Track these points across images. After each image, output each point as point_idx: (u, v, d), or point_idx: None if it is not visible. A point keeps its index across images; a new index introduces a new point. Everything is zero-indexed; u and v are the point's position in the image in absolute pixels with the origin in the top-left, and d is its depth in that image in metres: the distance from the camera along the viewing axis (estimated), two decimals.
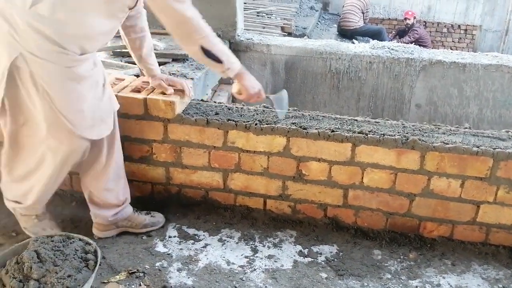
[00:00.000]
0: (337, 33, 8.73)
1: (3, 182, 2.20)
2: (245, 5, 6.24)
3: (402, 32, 9.54)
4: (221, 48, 2.07)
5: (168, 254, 2.33)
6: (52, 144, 1.96)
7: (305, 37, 6.33)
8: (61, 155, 2.00)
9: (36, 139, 1.97)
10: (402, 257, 2.39)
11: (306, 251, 2.41)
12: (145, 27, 2.26)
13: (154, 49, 3.43)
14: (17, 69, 1.77)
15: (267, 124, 2.42)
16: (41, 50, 1.75)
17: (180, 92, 2.46)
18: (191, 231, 2.50)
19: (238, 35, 4.15)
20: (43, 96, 1.81)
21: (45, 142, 1.96)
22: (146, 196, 2.69)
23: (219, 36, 4.02)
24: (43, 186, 2.12)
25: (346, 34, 8.75)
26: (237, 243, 2.44)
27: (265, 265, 2.30)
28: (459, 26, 10.21)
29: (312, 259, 2.35)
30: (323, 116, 2.55)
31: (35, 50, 1.75)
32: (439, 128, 2.46)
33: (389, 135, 2.33)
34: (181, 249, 2.37)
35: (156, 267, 2.22)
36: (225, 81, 4.28)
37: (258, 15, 6.62)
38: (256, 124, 2.41)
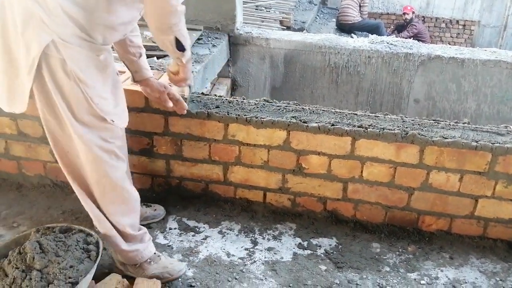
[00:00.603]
0: (336, 27, 8.74)
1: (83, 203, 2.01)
2: None
3: (401, 27, 9.57)
4: (188, 38, 2.02)
5: (169, 245, 2.36)
6: (85, 137, 1.84)
7: (304, 31, 6.34)
8: (100, 145, 1.88)
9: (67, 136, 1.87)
10: (400, 250, 2.42)
11: (305, 243, 2.43)
12: (141, 45, 2.22)
13: (152, 42, 3.45)
14: (46, 58, 1.71)
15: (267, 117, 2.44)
16: (73, 36, 1.72)
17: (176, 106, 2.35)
18: (191, 223, 2.53)
19: (237, 29, 4.16)
20: (76, 83, 1.76)
21: (81, 139, 1.84)
22: (146, 189, 2.71)
23: (218, 29, 4.06)
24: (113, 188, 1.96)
25: (344, 28, 8.77)
26: (237, 235, 2.47)
27: (265, 257, 2.32)
28: (457, 21, 10.25)
29: (312, 252, 2.38)
30: (323, 110, 2.57)
31: (67, 36, 1.71)
32: (438, 123, 2.48)
33: (389, 129, 2.36)
34: (181, 241, 2.40)
35: None
36: (224, 75, 4.29)
37: (257, 9, 6.61)
38: (256, 118, 2.43)
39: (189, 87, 2.40)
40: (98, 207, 1.98)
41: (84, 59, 1.78)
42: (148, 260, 2.11)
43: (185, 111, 2.38)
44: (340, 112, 2.56)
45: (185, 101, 2.36)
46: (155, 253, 2.15)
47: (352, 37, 7.02)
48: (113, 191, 1.96)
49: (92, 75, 1.81)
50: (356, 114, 2.54)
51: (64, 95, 1.78)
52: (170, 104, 2.30)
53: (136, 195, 2.08)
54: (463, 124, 2.49)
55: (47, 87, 1.77)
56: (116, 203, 1.99)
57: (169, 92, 2.30)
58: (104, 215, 1.99)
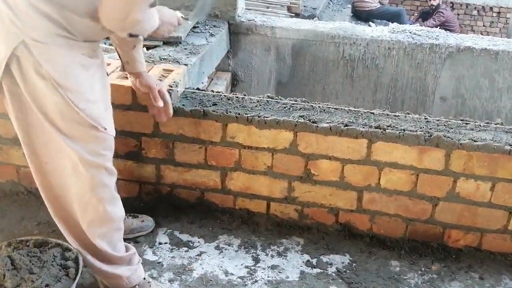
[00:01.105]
0: (351, 14, 8.76)
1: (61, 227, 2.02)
2: None
3: (426, 15, 9.58)
4: (148, 30, 1.89)
5: (159, 262, 2.36)
6: (68, 150, 1.81)
7: (315, 18, 6.35)
8: (87, 160, 1.84)
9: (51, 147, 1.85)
10: (423, 269, 2.42)
11: (314, 261, 2.44)
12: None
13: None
14: (16, 60, 1.70)
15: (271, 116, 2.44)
16: (47, 34, 1.70)
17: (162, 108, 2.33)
18: (185, 237, 2.54)
19: (239, 16, 4.16)
20: (54, 87, 1.73)
21: (64, 152, 1.82)
22: (133, 197, 2.73)
23: (216, 16, 4.07)
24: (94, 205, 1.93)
25: (361, 16, 8.80)
26: (236, 251, 2.47)
27: (268, 277, 2.33)
28: (491, 8, 10.25)
29: (322, 270, 2.38)
30: (336, 109, 2.58)
31: (40, 36, 1.69)
32: (467, 124, 2.49)
33: (410, 131, 2.36)
34: (173, 257, 2.40)
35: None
36: (223, 68, 4.30)
37: None
38: (259, 117, 2.44)
39: (185, 18, 2.31)
40: (77, 224, 1.96)
41: (61, 59, 1.74)
42: (137, 286, 2.09)
43: (166, 119, 2.34)
44: (355, 110, 2.57)
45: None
46: (144, 279, 2.13)
47: (369, 25, 7.02)
48: (95, 212, 1.94)
49: (75, 76, 1.78)
50: (373, 113, 2.54)
51: (40, 102, 1.76)
52: (161, 103, 2.26)
53: (120, 215, 2.05)
54: (496, 125, 2.49)
55: (20, 90, 1.75)
56: (96, 224, 1.96)
57: (160, 90, 2.28)
58: (83, 233, 1.97)
